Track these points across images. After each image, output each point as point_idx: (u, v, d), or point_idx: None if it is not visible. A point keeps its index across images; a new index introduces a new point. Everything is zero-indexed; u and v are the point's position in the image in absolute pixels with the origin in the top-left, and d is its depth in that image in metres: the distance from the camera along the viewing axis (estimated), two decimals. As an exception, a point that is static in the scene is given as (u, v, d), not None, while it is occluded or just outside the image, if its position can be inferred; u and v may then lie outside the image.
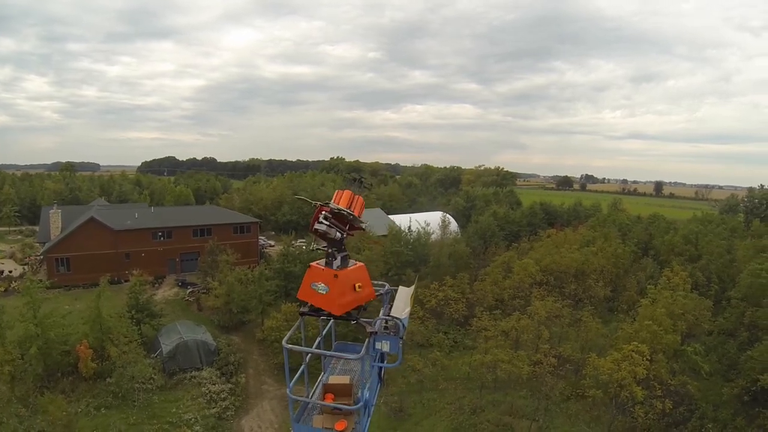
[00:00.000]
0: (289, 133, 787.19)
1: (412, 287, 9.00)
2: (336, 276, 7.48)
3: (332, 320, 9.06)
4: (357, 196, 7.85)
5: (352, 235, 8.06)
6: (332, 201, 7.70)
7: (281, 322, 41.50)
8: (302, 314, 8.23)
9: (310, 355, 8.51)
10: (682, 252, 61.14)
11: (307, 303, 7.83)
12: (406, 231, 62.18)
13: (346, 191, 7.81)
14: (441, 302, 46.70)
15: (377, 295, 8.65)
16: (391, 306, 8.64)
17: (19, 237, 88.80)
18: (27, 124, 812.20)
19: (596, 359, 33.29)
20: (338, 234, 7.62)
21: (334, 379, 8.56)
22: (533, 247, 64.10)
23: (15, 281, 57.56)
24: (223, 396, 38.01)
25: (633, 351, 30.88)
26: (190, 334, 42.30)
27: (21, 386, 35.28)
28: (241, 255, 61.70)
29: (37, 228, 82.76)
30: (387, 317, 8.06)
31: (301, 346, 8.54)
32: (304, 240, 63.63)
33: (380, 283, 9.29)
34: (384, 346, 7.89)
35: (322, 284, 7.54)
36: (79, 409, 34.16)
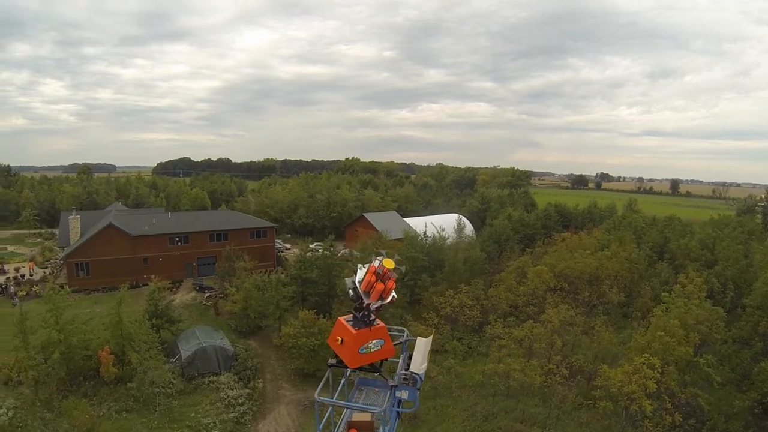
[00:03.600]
0: (304, 133, 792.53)
1: (430, 338, 9.58)
2: (355, 335, 8.18)
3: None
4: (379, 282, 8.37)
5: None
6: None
7: (298, 329, 42.20)
8: (330, 366, 8.93)
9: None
10: (698, 257, 60.67)
11: (335, 355, 8.59)
12: (422, 236, 62.36)
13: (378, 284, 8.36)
14: (456, 309, 46.88)
15: (396, 344, 9.25)
16: (410, 355, 9.24)
17: (39, 240, 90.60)
18: (44, 126, 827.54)
19: (607, 370, 33.32)
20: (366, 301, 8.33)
21: (357, 416, 9.16)
22: (548, 252, 64.02)
23: (36, 285, 58.96)
24: (240, 401, 38.86)
25: (644, 364, 30.84)
26: (209, 340, 43.13)
27: (44, 390, 36.36)
28: (258, 259, 62.64)
29: (56, 231, 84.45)
30: (405, 373, 8.73)
31: (329, 394, 9.25)
32: (320, 243, 64.12)
33: (399, 328, 10.00)
34: (403, 394, 8.65)
35: (342, 339, 8.33)
36: (102, 413, 35.06)
